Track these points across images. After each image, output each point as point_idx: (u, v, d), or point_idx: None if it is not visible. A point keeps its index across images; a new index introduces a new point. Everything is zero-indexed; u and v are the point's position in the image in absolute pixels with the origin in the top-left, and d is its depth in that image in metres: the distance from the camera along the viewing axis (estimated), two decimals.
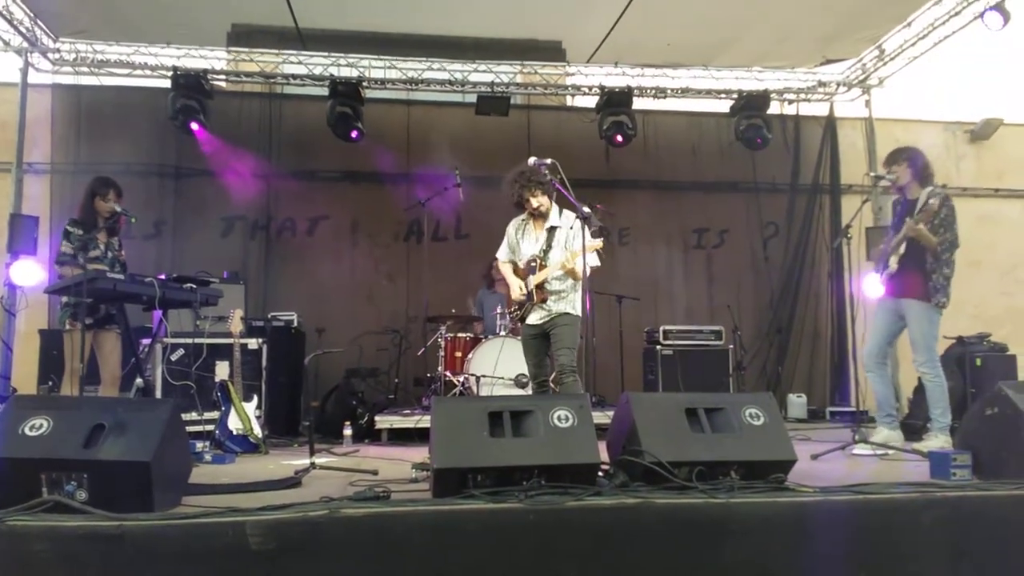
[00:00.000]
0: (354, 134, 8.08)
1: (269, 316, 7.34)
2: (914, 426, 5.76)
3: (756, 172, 9.26)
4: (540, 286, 4.89)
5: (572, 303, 4.91)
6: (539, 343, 5.03)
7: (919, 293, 4.98)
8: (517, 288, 5.01)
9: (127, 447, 2.91)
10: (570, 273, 4.79)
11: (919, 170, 5.15)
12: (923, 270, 4.97)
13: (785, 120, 9.47)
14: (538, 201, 4.84)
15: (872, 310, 6.68)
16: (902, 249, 5.02)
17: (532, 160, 4.56)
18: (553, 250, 4.92)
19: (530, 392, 6.36)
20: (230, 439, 5.30)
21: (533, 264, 4.97)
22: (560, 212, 4.97)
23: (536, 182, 4.81)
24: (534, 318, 4.98)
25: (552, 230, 4.95)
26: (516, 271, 5.08)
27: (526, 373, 6.35)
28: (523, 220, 5.09)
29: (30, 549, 2.57)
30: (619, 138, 8.41)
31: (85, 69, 8.27)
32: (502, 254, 5.24)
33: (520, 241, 5.10)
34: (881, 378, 5.24)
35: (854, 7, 7.62)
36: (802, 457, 3.53)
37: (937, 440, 4.88)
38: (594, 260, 4.65)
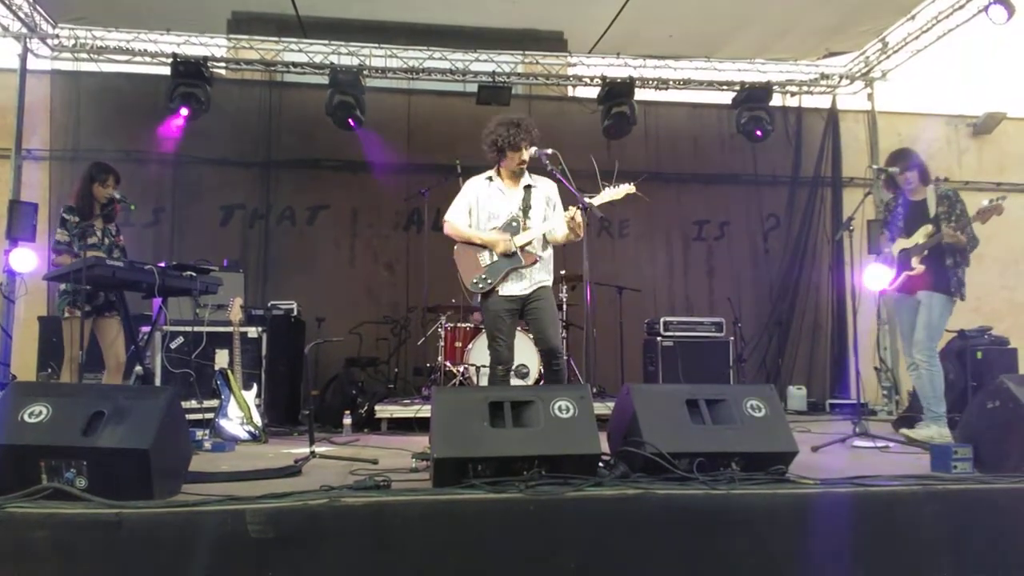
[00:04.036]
0: (351, 123, 8.05)
1: (269, 305, 7.33)
2: (913, 418, 5.76)
3: (757, 164, 9.26)
4: (524, 248, 4.44)
5: (550, 272, 4.57)
6: (514, 320, 4.51)
7: (941, 286, 5.07)
8: (503, 244, 4.41)
9: (126, 435, 2.89)
10: (575, 228, 4.29)
11: (923, 172, 5.26)
12: (944, 266, 5.06)
13: (787, 112, 9.46)
14: (528, 155, 4.43)
15: (871, 302, 6.69)
16: (926, 251, 5.10)
17: (533, 150, 4.48)
18: (534, 209, 4.51)
19: (528, 383, 6.38)
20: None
21: (515, 223, 4.49)
22: (530, 175, 4.60)
23: (533, 134, 4.46)
24: (515, 287, 4.45)
25: (529, 188, 4.56)
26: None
27: (527, 364, 6.35)
28: (489, 178, 4.62)
29: (29, 536, 2.56)
30: (613, 131, 8.37)
31: (84, 55, 8.23)
32: (458, 213, 4.60)
33: (485, 201, 4.57)
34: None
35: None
36: (802, 449, 3.53)
37: (928, 430, 4.92)
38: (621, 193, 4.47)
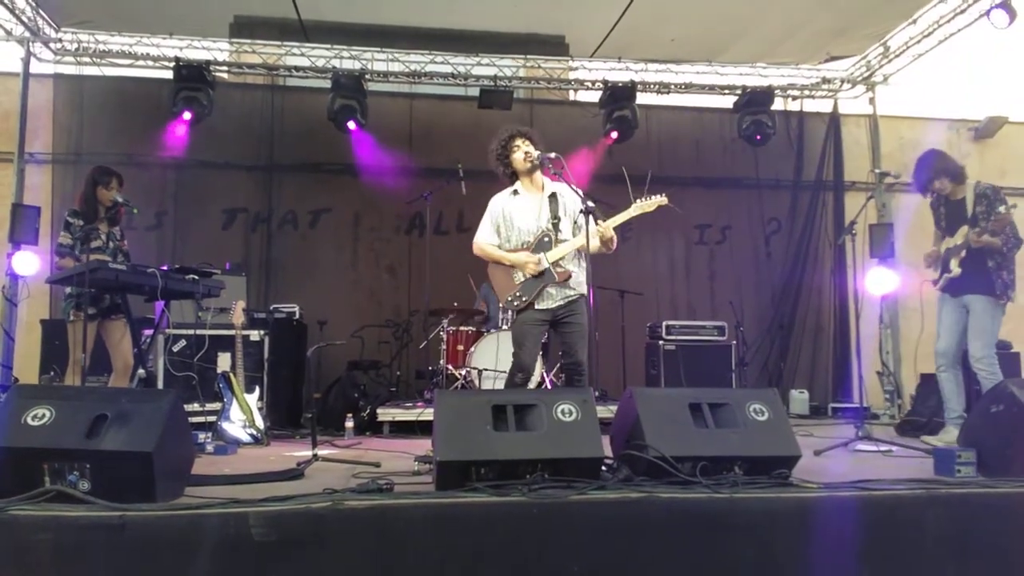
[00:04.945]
0: (351, 126, 8.06)
1: (271, 308, 7.34)
2: (918, 423, 5.76)
3: (759, 168, 9.25)
4: (557, 263, 4.35)
5: (584, 284, 4.44)
6: (541, 331, 4.46)
7: (985, 289, 5.03)
8: (532, 263, 4.33)
9: (129, 437, 2.90)
10: (607, 243, 4.28)
11: (954, 173, 5.23)
12: (986, 268, 5.03)
13: (789, 116, 9.45)
14: (527, 148, 4.38)
15: (874, 306, 6.67)
16: (963, 253, 5.07)
17: (536, 154, 4.48)
18: (563, 221, 4.41)
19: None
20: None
21: (546, 239, 4.39)
22: (553, 183, 4.49)
23: (522, 129, 4.44)
24: (548, 301, 4.36)
25: (554, 196, 4.45)
26: (514, 250, 4.44)
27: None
28: (512, 192, 4.52)
29: (32, 539, 2.56)
30: (614, 135, 8.38)
31: (87, 59, 8.24)
32: (485, 235, 4.53)
33: (513, 216, 4.47)
34: (955, 377, 5.24)
35: (859, 4, 7.58)
36: (805, 453, 3.52)
37: (949, 435, 4.94)
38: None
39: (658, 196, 4.49)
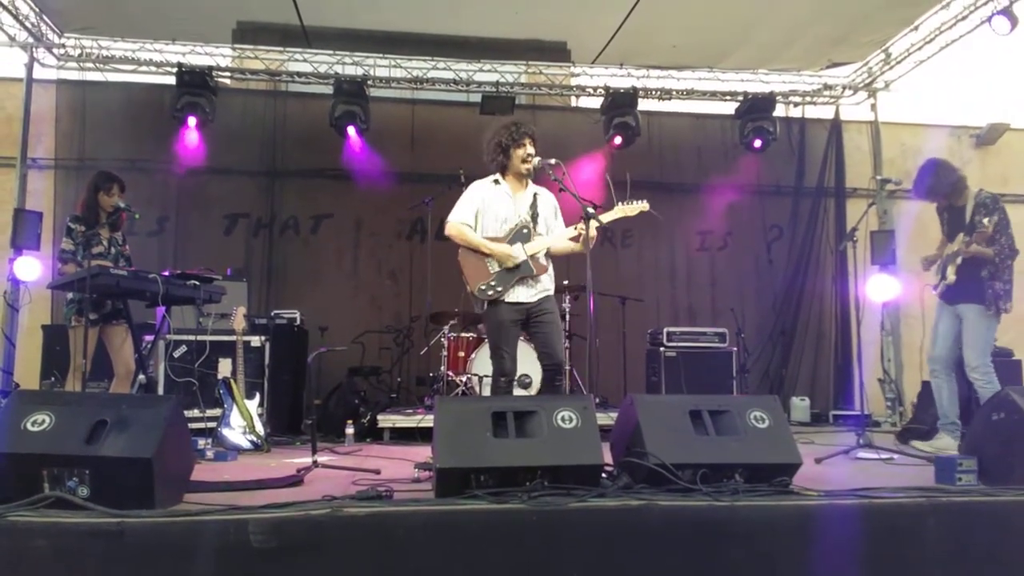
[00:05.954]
0: (353, 131, 8.07)
1: (272, 314, 7.34)
2: (919, 430, 5.74)
3: (760, 175, 9.23)
4: (534, 256, 4.36)
5: (553, 282, 4.52)
6: (519, 330, 4.46)
7: (976, 298, 5.02)
8: (512, 257, 4.31)
9: (129, 443, 2.89)
10: (586, 242, 4.20)
11: (955, 183, 5.24)
12: (979, 277, 5.01)
13: (790, 123, 9.45)
14: (530, 150, 4.38)
15: (875, 313, 6.65)
16: (959, 260, 5.06)
17: (537, 160, 4.49)
18: (542, 217, 4.46)
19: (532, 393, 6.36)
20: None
21: (525, 230, 4.41)
22: (535, 184, 4.53)
23: (532, 130, 4.45)
24: (523, 295, 4.34)
25: (536, 196, 4.50)
26: (489, 239, 4.40)
27: (529, 374, 6.32)
28: (495, 180, 4.52)
29: (31, 545, 2.56)
30: (617, 140, 8.40)
31: (90, 65, 8.26)
32: (463, 215, 4.46)
33: (491, 204, 4.45)
34: (948, 384, 5.22)
35: (861, 10, 7.59)
36: (806, 461, 3.50)
37: (941, 441, 4.92)
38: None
39: (640, 202, 4.49)
